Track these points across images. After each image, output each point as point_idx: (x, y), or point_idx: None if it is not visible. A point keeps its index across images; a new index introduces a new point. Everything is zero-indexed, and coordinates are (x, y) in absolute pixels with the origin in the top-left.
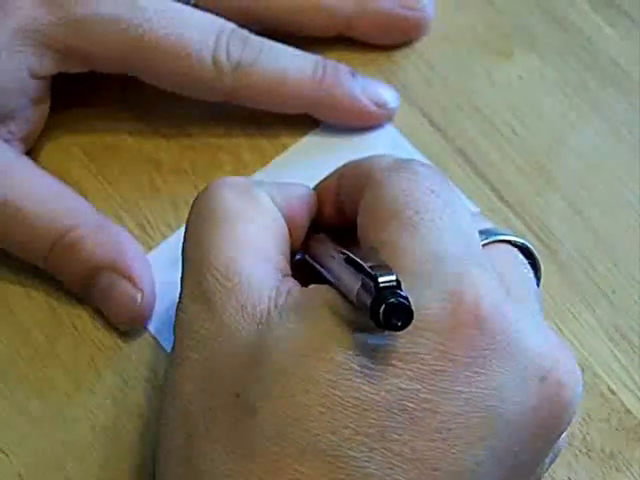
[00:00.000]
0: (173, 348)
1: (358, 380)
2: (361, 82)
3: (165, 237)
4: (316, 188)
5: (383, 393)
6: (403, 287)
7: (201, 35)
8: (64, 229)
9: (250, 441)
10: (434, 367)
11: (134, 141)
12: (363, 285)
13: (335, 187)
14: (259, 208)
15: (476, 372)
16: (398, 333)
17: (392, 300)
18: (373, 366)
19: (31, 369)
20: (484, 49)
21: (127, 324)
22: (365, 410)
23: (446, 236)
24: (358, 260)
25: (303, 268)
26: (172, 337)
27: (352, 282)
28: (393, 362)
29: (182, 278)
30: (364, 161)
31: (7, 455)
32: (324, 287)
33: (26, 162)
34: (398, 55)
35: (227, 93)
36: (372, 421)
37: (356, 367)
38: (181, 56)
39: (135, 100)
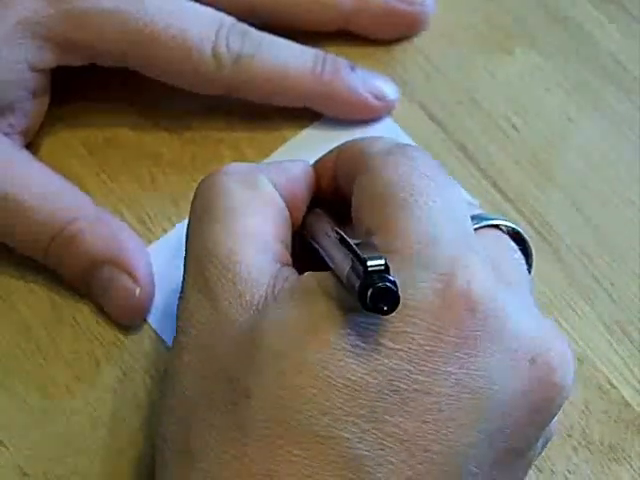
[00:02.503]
0: (174, 338)
1: (349, 360)
2: (360, 75)
3: (165, 231)
4: (315, 164)
5: (374, 373)
6: (392, 271)
7: (201, 28)
8: (64, 223)
9: (244, 424)
10: (425, 347)
11: (134, 135)
12: (353, 267)
13: (333, 164)
14: (261, 198)
15: (467, 353)
16: (385, 317)
17: (379, 284)
18: (364, 345)
19: (32, 363)
20: (484, 44)
21: (126, 318)
22: (356, 390)
23: (440, 219)
24: (350, 242)
25: (304, 245)
26: (173, 330)
27: (344, 263)
28: (384, 342)
29: (185, 268)
30: (361, 141)
31: (7, 448)
32: (319, 273)
33: (26, 156)
34: (398, 50)
35: (227, 86)
36: (363, 402)
37: (348, 347)
38: (181, 49)
39: (135, 94)
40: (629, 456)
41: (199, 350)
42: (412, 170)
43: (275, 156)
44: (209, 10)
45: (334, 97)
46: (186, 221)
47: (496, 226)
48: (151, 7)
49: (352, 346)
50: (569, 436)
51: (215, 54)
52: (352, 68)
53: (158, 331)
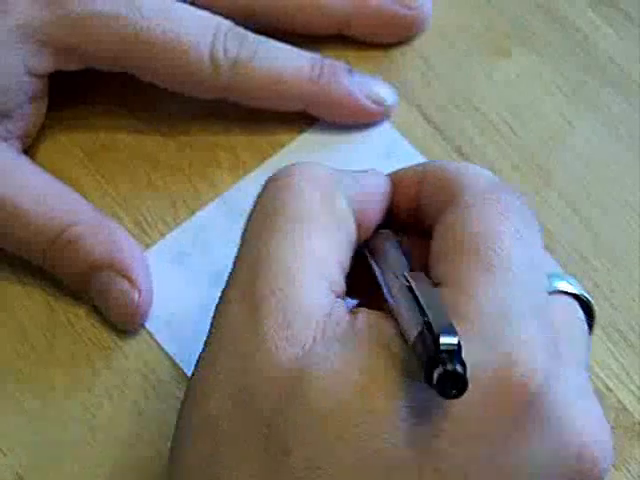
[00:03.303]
0: (206, 340)
1: (398, 435)
2: (358, 79)
3: (163, 235)
4: (394, 177)
5: (421, 455)
6: (463, 350)
7: (198, 33)
8: (62, 227)
9: (279, 478)
10: (475, 433)
11: (132, 139)
12: (422, 334)
13: (415, 186)
14: (334, 217)
15: (516, 444)
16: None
17: (449, 367)
18: (416, 423)
19: (29, 367)
20: (482, 47)
21: (124, 322)
22: (397, 468)
23: (519, 290)
24: (421, 302)
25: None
26: (170, 334)
27: (411, 320)
28: (438, 424)
29: (234, 263)
30: (455, 171)
31: (5, 454)
32: (377, 317)
33: (24, 160)
34: (396, 53)
35: (224, 90)
36: (401, 478)
37: (399, 421)
38: (178, 53)
39: (133, 98)
40: (627, 462)
41: (232, 372)
42: (506, 224)
43: (272, 161)
44: (206, 14)
45: (331, 101)
46: (184, 225)
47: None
48: (148, 11)
49: (402, 420)
50: None
51: (212, 58)
52: (350, 72)
53: (155, 335)
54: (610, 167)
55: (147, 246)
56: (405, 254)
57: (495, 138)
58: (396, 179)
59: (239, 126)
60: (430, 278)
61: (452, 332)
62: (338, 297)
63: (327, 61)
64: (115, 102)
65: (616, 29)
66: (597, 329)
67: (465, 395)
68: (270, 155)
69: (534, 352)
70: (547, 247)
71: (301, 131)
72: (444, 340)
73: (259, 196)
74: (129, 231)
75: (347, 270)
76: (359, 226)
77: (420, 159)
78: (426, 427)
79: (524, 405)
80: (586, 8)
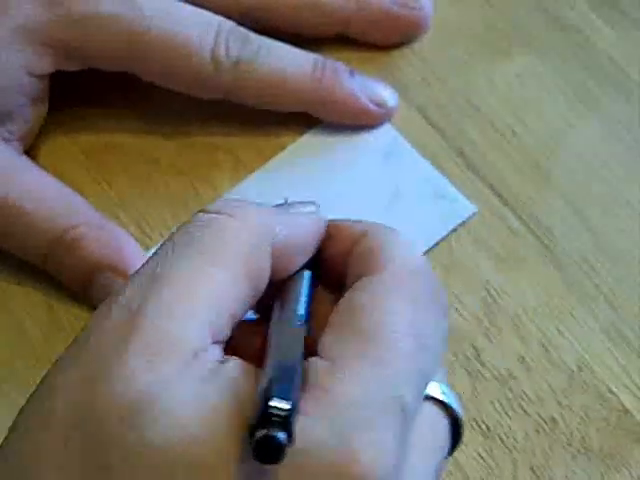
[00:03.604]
0: (78, 335)
1: None
2: (360, 81)
3: (163, 237)
4: (332, 227)
5: None
6: (304, 415)
7: (200, 33)
8: (63, 228)
9: None
10: None
11: (133, 140)
12: (266, 390)
13: (349, 244)
14: (248, 266)
15: None
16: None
17: (270, 432)
18: None
19: (28, 368)
20: (483, 49)
21: None
22: None
23: (389, 386)
24: (274, 360)
25: None
26: None
27: (264, 377)
28: None
29: (138, 270)
30: (386, 246)
31: None
32: (244, 369)
33: (26, 161)
34: (397, 54)
35: (226, 91)
36: None
37: (224, 477)
38: (180, 53)
39: (134, 99)
40: (628, 464)
41: (84, 380)
42: (406, 315)
43: (273, 162)
44: (208, 14)
45: (333, 102)
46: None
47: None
48: (149, 11)
49: (229, 478)
50: (568, 444)
51: (214, 58)
52: (351, 73)
53: None
54: (611, 167)
55: (147, 247)
56: (309, 300)
57: (495, 138)
58: (334, 230)
59: (240, 127)
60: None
61: (287, 398)
62: (216, 343)
63: (328, 62)
64: (115, 102)
65: (616, 30)
66: (598, 331)
67: (296, 473)
68: (271, 156)
69: (381, 455)
70: (548, 248)
71: (302, 132)
72: (275, 403)
73: (185, 222)
74: (129, 232)
75: (240, 319)
76: (278, 271)
77: (420, 159)
78: None
79: None
80: (586, 9)
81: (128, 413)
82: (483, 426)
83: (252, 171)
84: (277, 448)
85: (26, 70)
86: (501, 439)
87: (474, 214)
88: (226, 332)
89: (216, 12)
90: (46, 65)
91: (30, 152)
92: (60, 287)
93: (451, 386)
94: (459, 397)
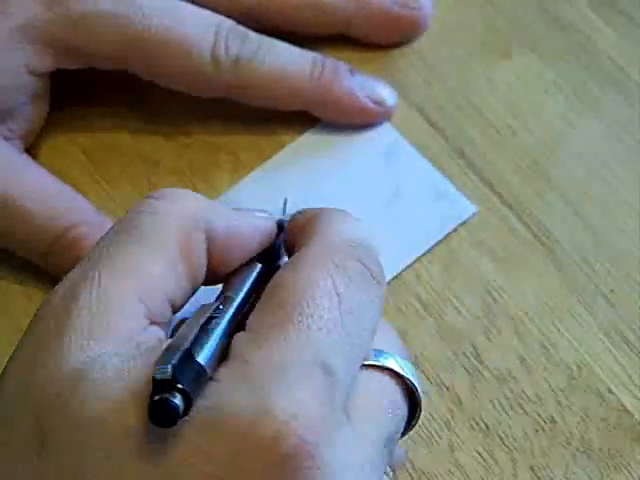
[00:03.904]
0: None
1: (143, 454)
2: (359, 80)
3: None
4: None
5: (162, 473)
6: (228, 382)
7: (200, 31)
8: (64, 227)
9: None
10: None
11: (132, 139)
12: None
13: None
14: (180, 247)
15: None
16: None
17: (164, 396)
18: (159, 444)
19: None
20: (483, 49)
21: None
22: None
23: (309, 349)
24: (179, 332)
25: None
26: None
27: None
28: (180, 451)
29: (85, 256)
30: (322, 221)
31: None
32: (158, 338)
33: (27, 160)
34: (397, 54)
35: (225, 89)
36: None
37: (145, 440)
38: (180, 52)
39: (134, 99)
40: (628, 463)
41: (26, 360)
42: (329, 284)
43: (272, 161)
44: (208, 13)
45: (333, 101)
46: None
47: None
48: (149, 10)
49: (150, 442)
50: (568, 443)
51: (214, 57)
52: (351, 72)
53: None
54: (611, 168)
55: None
56: (250, 291)
57: (495, 139)
58: (292, 222)
59: (239, 126)
60: None
61: (169, 364)
62: (155, 324)
63: (329, 61)
64: (115, 102)
65: (616, 30)
66: (598, 331)
67: (212, 437)
68: (270, 155)
69: (299, 413)
70: (548, 248)
71: (302, 131)
72: (159, 369)
73: (129, 209)
74: None
75: (181, 302)
76: (219, 262)
77: (420, 159)
78: (168, 454)
79: (276, 461)
80: (586, 9)
81: (63, 388)
82: (483, 425)
83: (252, 170)
84: (170, 411)
85: (26, 69)
86: (501, 438)
87: (474, 214)
88: (166, 313)
89: (216, 11)
90: (46, 64)
91: (30, 151)
92: None
93: (451, 385)
94: (459, 397)
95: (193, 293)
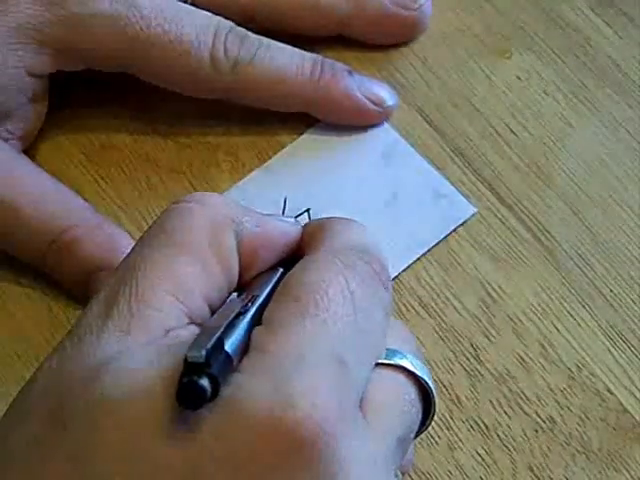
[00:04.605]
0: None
1: (166, 439)
2: (358, 80)
3: None
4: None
5: (183, 457)
6: (228, 374)
7: (199, 33)
8: (62, 228)
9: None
10: (234, 461)
11: (131, 140)
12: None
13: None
14: (215, 250)
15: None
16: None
17: (194, 379)
18: (183, 429)
19: (28, 370)
20: (482, 49)
21: None
22: (162, 469)
23: (324, 341)
24: (212, 324)
25: None
26: None
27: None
28: (201, 438)
29: (120, 263)
30: (333, 228)
31: None
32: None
33: (25, 161)
34: (396, 55)
35: (225, 91)
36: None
37: (171, 426)
38: (179, 53)
39: (133, 100)
40: (627, 464)
41: (62, 353)
42: (341, 281)
43: (272, 162)
44: (207, 14)
45: (332, 102)
46: None
47: (405, 368)
48: (148, 11)
49: (176, 428)
50: (567, 443)
51: (213, 58)
52: (350, 73)
53: None
54: (610, 168)
55: None
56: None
57: (495, 139)
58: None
59: (239, 127)
60: None
61: (202, 348)
62: (194, 324)
63: (327, 62)
64: (115, 103)
65: (616, 30)
66: (597, 331)
67: (232, 422)
68: (270, 156)
69: (318, 402)
70: (547, 248)
71: (301, 132)
72: (191, 354)
73: (162, 213)
74: (128, 232)
75: (218, 303)
76: (248, 265)
77: (419, 160)
78: (190, 438)
79: (293, 448)
80: (586, 9)
81: (90, 372)
82: (482, 425)
83: (251, 171)
84: (198, 394)
85: (25, 70)
86: (500, 438)
87: (474, 215)
88: (204, 314)
89: (215, 12)
90: (45, 65)
91: (30, 152)
92: (60, 288)
93: (450, 385)
94: (458, 397)
95: (229, 295)
